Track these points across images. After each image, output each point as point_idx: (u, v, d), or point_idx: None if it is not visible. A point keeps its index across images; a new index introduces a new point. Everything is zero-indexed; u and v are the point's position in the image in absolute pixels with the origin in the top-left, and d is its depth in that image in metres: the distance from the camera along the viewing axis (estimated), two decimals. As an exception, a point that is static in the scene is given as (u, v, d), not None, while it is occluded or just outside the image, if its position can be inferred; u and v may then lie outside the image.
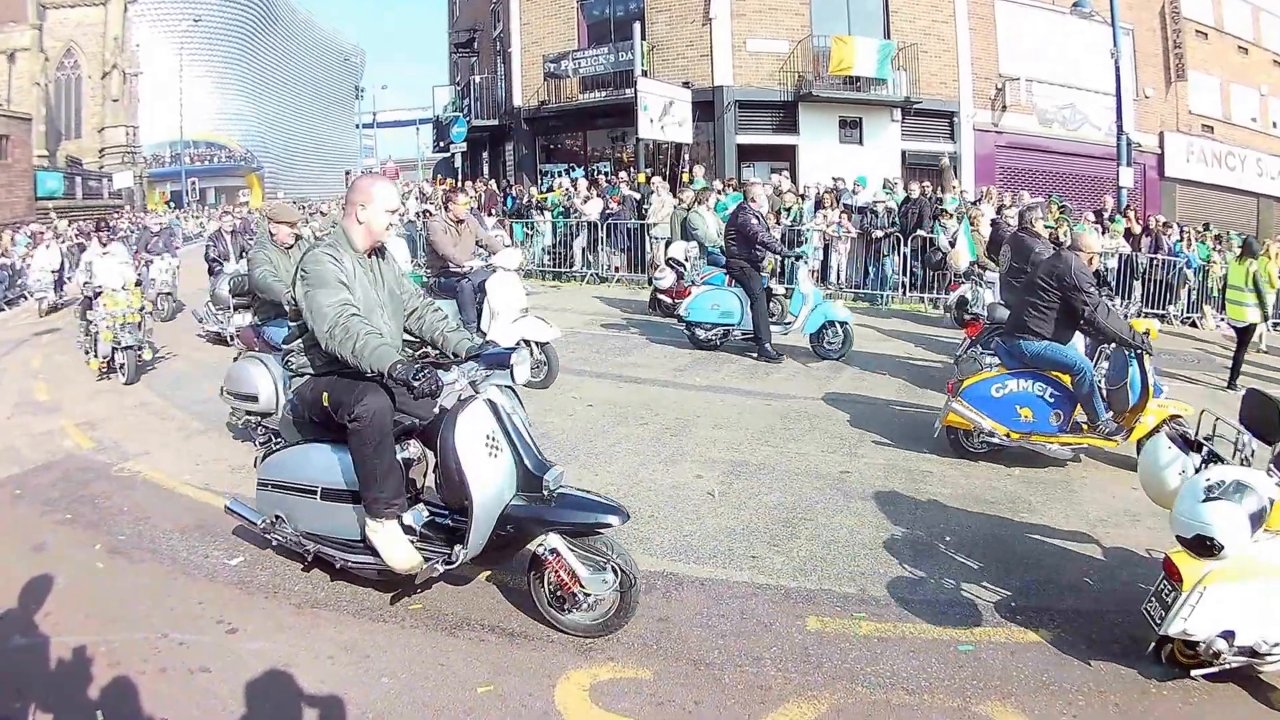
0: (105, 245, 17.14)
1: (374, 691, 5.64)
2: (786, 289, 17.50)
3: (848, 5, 33.27)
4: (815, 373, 15.20)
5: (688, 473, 10.04)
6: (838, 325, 15.99)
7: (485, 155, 45.22)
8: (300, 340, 6.65)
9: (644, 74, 30.49)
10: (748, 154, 33.18)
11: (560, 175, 33.97)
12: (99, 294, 15.61)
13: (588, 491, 6.51)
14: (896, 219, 23.78)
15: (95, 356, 15.38)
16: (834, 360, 15.77)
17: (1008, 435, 10.39)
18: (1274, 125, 42.15)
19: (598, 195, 27.10)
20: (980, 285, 14.62)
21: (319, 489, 6.70)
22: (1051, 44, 35.47)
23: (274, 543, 7.27)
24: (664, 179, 27.69)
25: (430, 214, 16.23)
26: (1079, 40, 34.82)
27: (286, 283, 9.34)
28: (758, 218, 15.57)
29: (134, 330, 15.19)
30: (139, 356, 15.15)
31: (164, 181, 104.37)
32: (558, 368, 13.64)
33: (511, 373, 6.59)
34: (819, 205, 26.02)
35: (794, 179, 30.02)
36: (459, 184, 35.80)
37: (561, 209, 27.79)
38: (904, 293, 23.74)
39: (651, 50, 33.03)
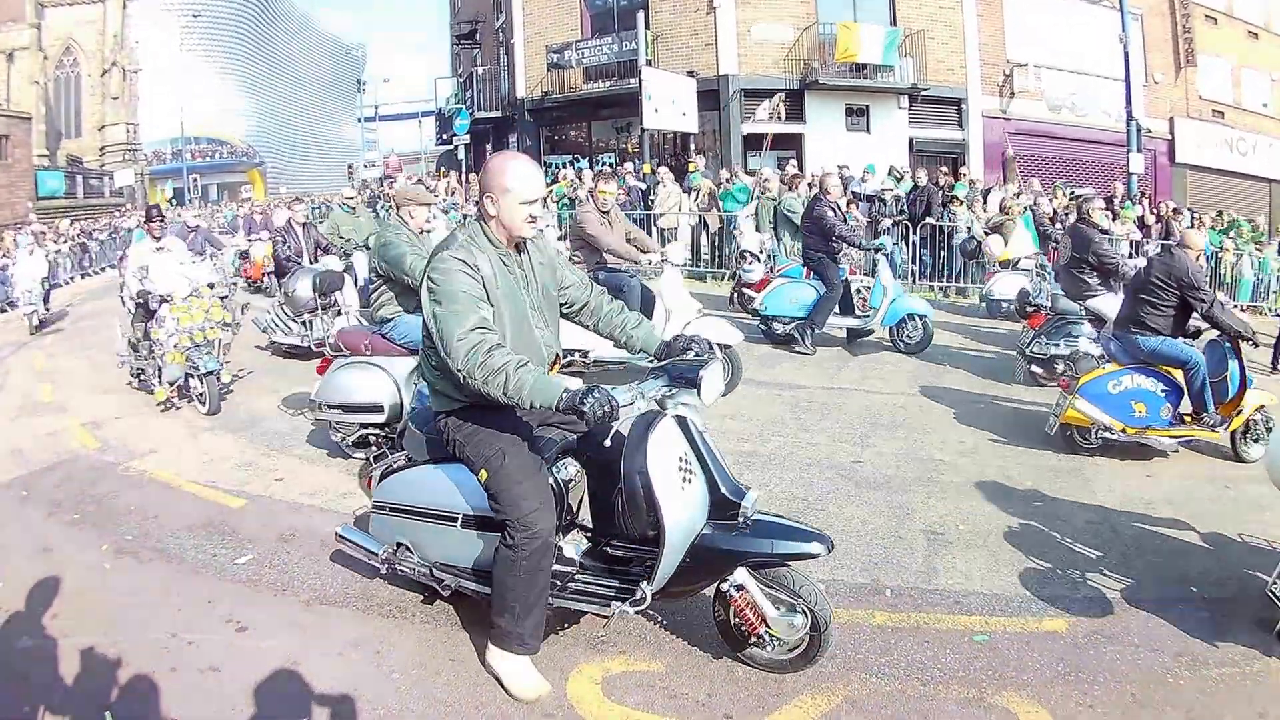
0: (159, 240, 13.82)
1: (385, 687, 5.63)
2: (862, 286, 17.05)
3: (854, -10, 33.11)
4: (825, 363, 15.20)
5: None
6: (917, 319, 15.86)
7: (488, 147, 44.60)
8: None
9: (648, 63, 30.46)
10: (754, 143, 32.74)
11: (564, 167, 33.79)
12: (164, 302, 12.72)
13: (782, 516, 6.15)
14: (904, 207, 23.72)
15: (160, 383, 12.61)
16: (913, 355, 15.65)
17: (1124, 430, 10.47)
18: (1285, 110, 42.01)
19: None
20: (1043, 277, 14.55)
21: (460, 515, 5.91)
22: (1060, 30, 35.35)
23: (395, 573, 6.55)
24: (670, 169, 27.61)
25: (581, 202, 15.32)
26: (1087, 26, 34.80)
27: None
28: (834, 209, 15.48)
29: (210, 350, 12.71)
30: (218, 380, 12.68)
31: (165, 179, 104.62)
32: (741, 374, 12.74)
33: (699, 389, 5.55)
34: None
35: (800, 167, 29.80)
36: (463, 177, 35.83)
37: (568, 200, 27.63)
38: (913, 281, 23.49)
39: (655, 39, 32.98)
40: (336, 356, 9.81)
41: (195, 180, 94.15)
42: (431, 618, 6.51)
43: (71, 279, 34.29)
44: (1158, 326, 10.40)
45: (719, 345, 10.80)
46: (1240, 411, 10.57)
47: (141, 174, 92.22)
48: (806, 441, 10.98)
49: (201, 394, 12.49)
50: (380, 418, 9.16)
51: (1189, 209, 24.95)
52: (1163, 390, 10.49)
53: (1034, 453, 10.71)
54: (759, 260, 17.15)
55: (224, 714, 5.38)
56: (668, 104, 29.12)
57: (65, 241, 36.76)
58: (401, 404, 9.05)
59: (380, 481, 6.49)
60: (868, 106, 32.66)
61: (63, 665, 5.92)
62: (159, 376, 12.67)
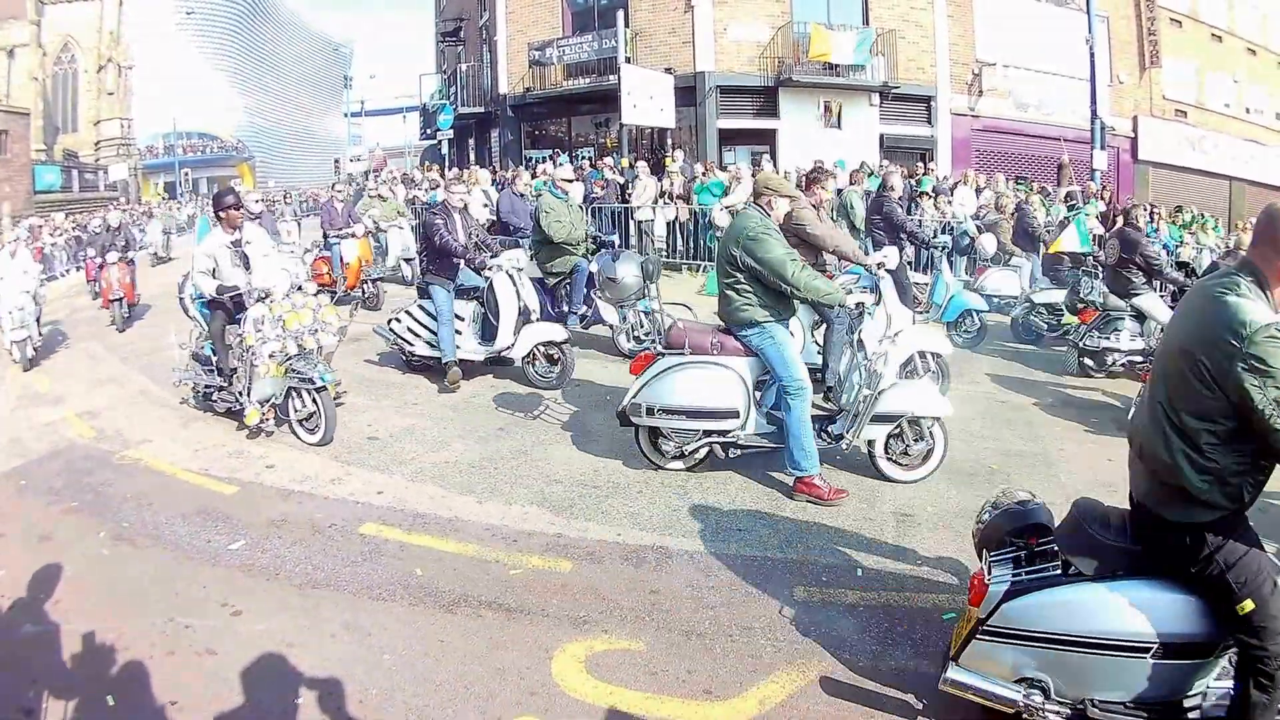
0: (235, 229, 11.18)
1: (376, 669, 5.81)
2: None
3: (828, -8, 33.39)
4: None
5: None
6: (975, 315, 16.08)
7: (471, 142, 45.37)
8: None
9: (627, 60, 30.52)
10: (729, 138, 33.40)
11: (543, 161, 33.76)
12: (260, 300, 10.67)
13: None
14: (867, 194, 23.93)
15: (249, 402, 10.65)
16: (968, 350, 15.48)
17: None
18: (1247, 111, 42.37)
19: (580, 179, 27.06)
20: (1093, 275, 14.86)
21: (1154, 645, 4.69)
22: (1028, 31, 35.62)
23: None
24: (647, 163, 27.74)
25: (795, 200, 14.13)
26: (1055, 28, 35.02)
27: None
28: (900, 205, 15.55)
29: (314, 359, 10.77)
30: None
31: (157, 173, 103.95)
32: (949, 382, 11.99)
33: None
34: (798, 187, 25.88)
35: (774, 162, 30.23)
36: (444, 169, 35.90)
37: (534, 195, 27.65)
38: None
39: (634, 37, 33.11)
40: (666, 355, 9.14)
41: (186, 174, 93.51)
42: (420, 600, 6.70)
43: (67, 271, 33.96)
44: None
45: (931, 354, 11.20)
46: None
47: (135, 168, 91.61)
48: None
49: (310, 415, 10.66)
50: (734, 424, 8.93)
51: (1148, 204, 25.15)
52: None
53: (998, 438, 10.94)
54: None
55: (221, 696, 5.56)
56: (646, 100, 29.09)
57: (61, 234, 36.50)
58: (750, 408, 8.94)
59: (1009, 601, 5.01)
60: (840, 104, 32.85)
61: (64, 650, 6.09)
62: (247, 394, 10.68)
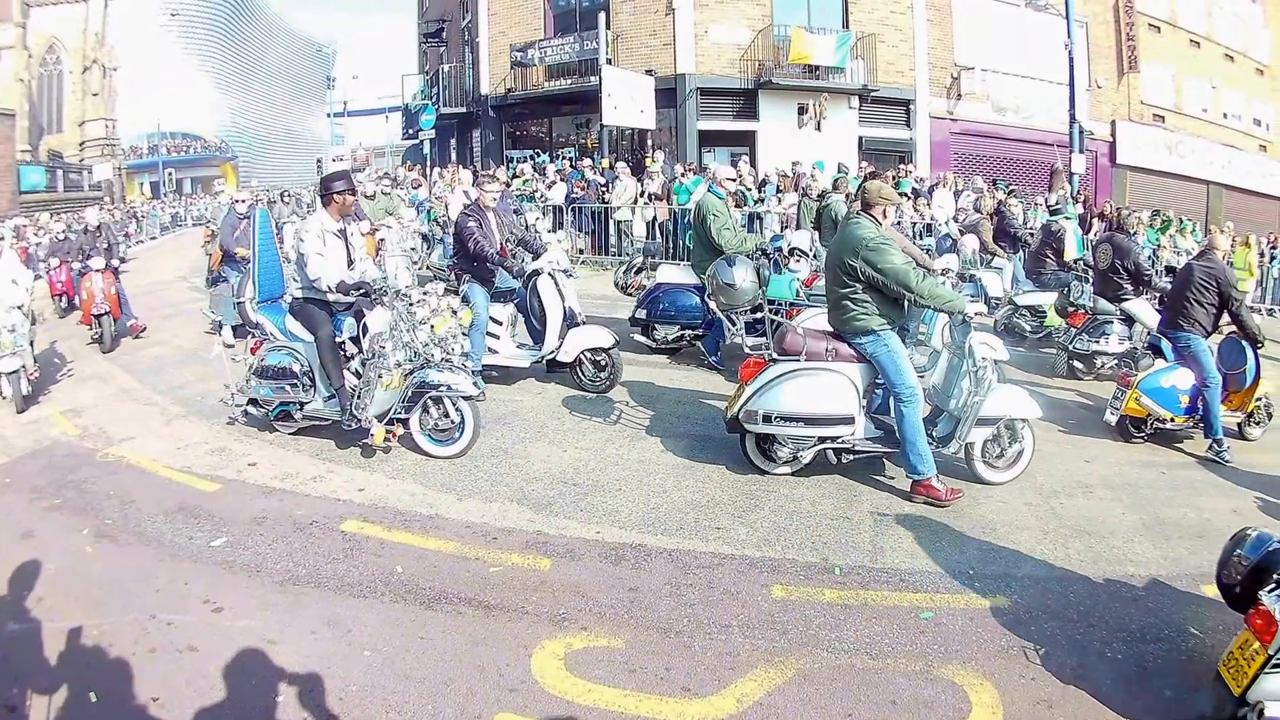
0: (344, 217, 10.28)
1: (357, 665, 5.84)
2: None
3: (809, -5, 33.50)
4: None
5: (653, 448, 10.28)
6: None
7: (453, 142, 45.47)
8: None
9: (608, 62, 30.62)
10: (708, 139, 33.48)
11: (524, 161, 33.92)
12: (396, 297, 9.76)
13: None
14: (849, 200, 23.98)
15: (368, 420, 9.70)
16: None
17: (1172, 420, 11.36)
18: (1224, 116, 42.60)
19: (561, 180, 27.22)
20: (1085, 280, 15.01)
21: None
22: (1007, 35, 35.86)
23: None
24: (628, 164, 27.86)
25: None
26: (1035, 32, 35.28)
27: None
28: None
29: (455, 365, 9.95)
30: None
31: (142, 173, 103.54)
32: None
33: None
34: (777, 190, 26.26)
35: (753, 164, 30.45)
36: (426, 169, 35.96)
37: (527, 195, 27.54)
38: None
39: (616, 39, 33.16)
40: (779, 361, 9.09)
41: (170, 174, 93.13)
42: (400, 597, 6.73)
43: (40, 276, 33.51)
44: (1206, 325, 11.26)
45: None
46: (1251, 400, 11.73)
47: (119, 168, 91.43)
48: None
49: (446, 430, 9.91)
50: (849, 430, 9.00)
51: (1120, 207, 25.26)
52: (1198, 382, 11.27)
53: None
54: (807, 257, 17.29)
55: (203, 693, 5.57)
56: (627, 101, 29.27)
57: (46, 234, 36.38)
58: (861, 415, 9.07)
59: None
60: (814, 105, 32.74)
61: (48, 648, 6.08)
62: (364, 409, 9.70)
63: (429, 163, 39.34)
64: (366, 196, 22.27)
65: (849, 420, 8.89)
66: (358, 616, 6.46)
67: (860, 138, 33.83)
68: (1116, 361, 13.76)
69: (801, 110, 32.61)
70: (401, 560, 7.33)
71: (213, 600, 6.67)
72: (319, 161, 56.06)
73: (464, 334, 10.66)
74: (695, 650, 6.08)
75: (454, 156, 43.99)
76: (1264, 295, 29.16)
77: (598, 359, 12.40)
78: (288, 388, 10.17)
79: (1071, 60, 28.22)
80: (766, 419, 8.88)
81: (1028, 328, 16.31)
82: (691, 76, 32.71)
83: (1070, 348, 14.44)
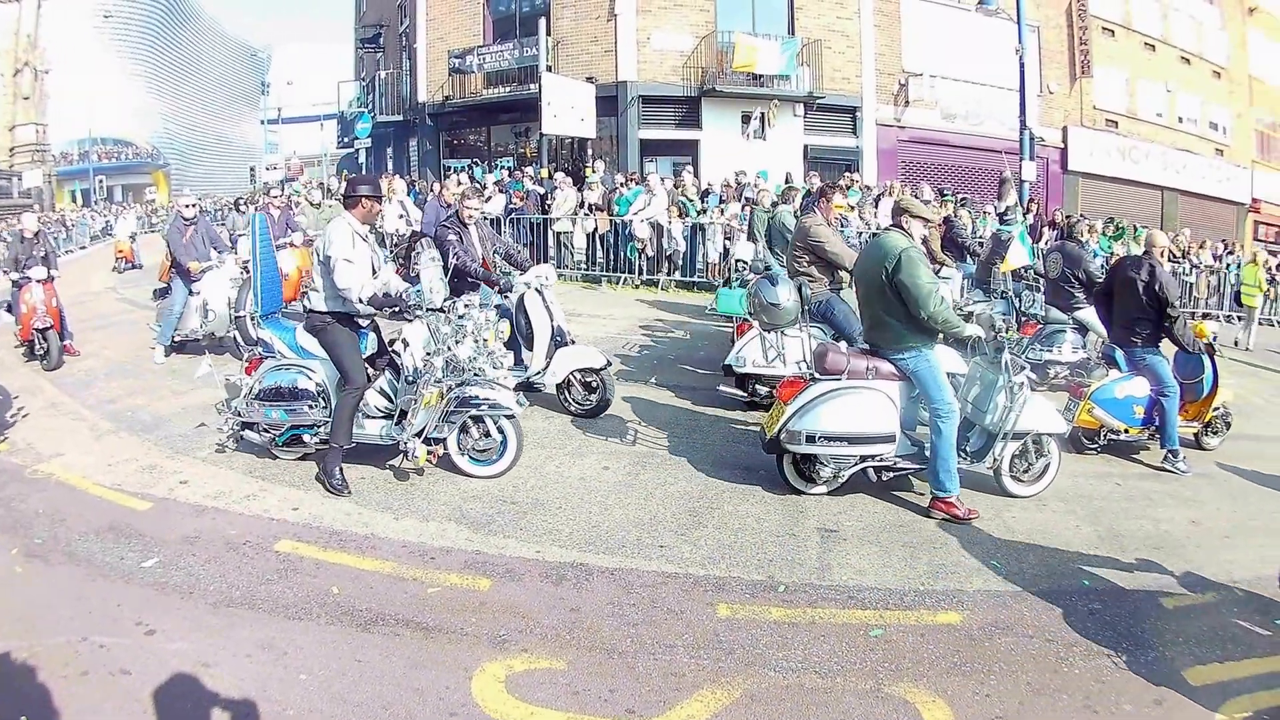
0: (368, 225, 9.56)
1: (293, 689, 5.68)
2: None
3: (753, 2, 33.58)
4: (717, 368, 14.63)
5: (595, 464, 10.15)
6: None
7: (389, 151, 45.32)
8: None
9: (548, 69, 30.45)
10: (650, 149, 33.51)
11: (462, 171, 34.06)
12: (432, 313, 9.35)
13: None
14: (797, 212, 23.96)
15: (409, 441, 9.17)
16: None
17: (1127, 431, 11.42)
18: (1179, 120, 43.14)
19: (500, 191, 27.15)
20: (1034, 289, 14.98)
21: None
22: (957, 41, 36.04)
23: None
24: (567, 174, 27.79)
25: (809, 212, 12.84)
26: (985, 37, 35.26)
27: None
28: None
29: (496, 381, 9.58)
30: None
31: (72, 180, 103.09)
32: None
33: None
34: (720, 199, 26.38)
35: (696, 173, 30.30)
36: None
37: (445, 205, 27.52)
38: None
39: (556, 45, 33.11)
40: (820, 381, 8.99)
41: (101, 181, 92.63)
42: (336, 619, 6.58)
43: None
44: (1153, 335, 11.28)
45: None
46: (1209, 410, 11.86)
47: (49, 175, 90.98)
48: (701, 442, 11.16)
49: (486, 450, 9.56)
50: (890, 449, 8.99)
51: (1068, 215, 25.39)
52: (1153, 393, 11.32)
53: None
54: (749, 268, 17.20)
55: (136, 718, 5.41)
56: (567, 110, 29.16)
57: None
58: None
59: None
60: (764, 114, 32.85)
61: (-24, 671, 5.87)
62: (412, 429, 9.19)
63: (364, 172, 39.13)
64: (313, 204, 21.95)
65: (890, 438, 8.91)
66: (293, 639, 6.29)
67: (805, 146, 33.95)
68: (1069, 371, 13.75)
69: (746, 119, 32.71)
70: (337, 581, 7.18)
71: (145, 622, 6.47)
72: (252, 170, 55.74)
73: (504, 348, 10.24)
74: (639, 671, 5.98)
75: (390, 166, 43.76)
76: (1221, 301, 29.45)
77: (588, 380, 12.01)
78: (305, 409, 9.48)
79: (1022, 65, 28.23)
80: (810, 439, 8.82)
81: (974, 336, 16.30)
82: (633, 84, 32.74)
83: (1023, 358, 14.23)
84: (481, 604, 6.85)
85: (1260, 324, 26.26)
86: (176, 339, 15.08)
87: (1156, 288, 10.97)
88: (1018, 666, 6.16)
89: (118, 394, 12.79)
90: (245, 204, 30.81)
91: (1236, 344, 24.20)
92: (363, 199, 9.23)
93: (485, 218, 16.11)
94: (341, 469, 9.13)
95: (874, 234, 9.31)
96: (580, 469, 9.98)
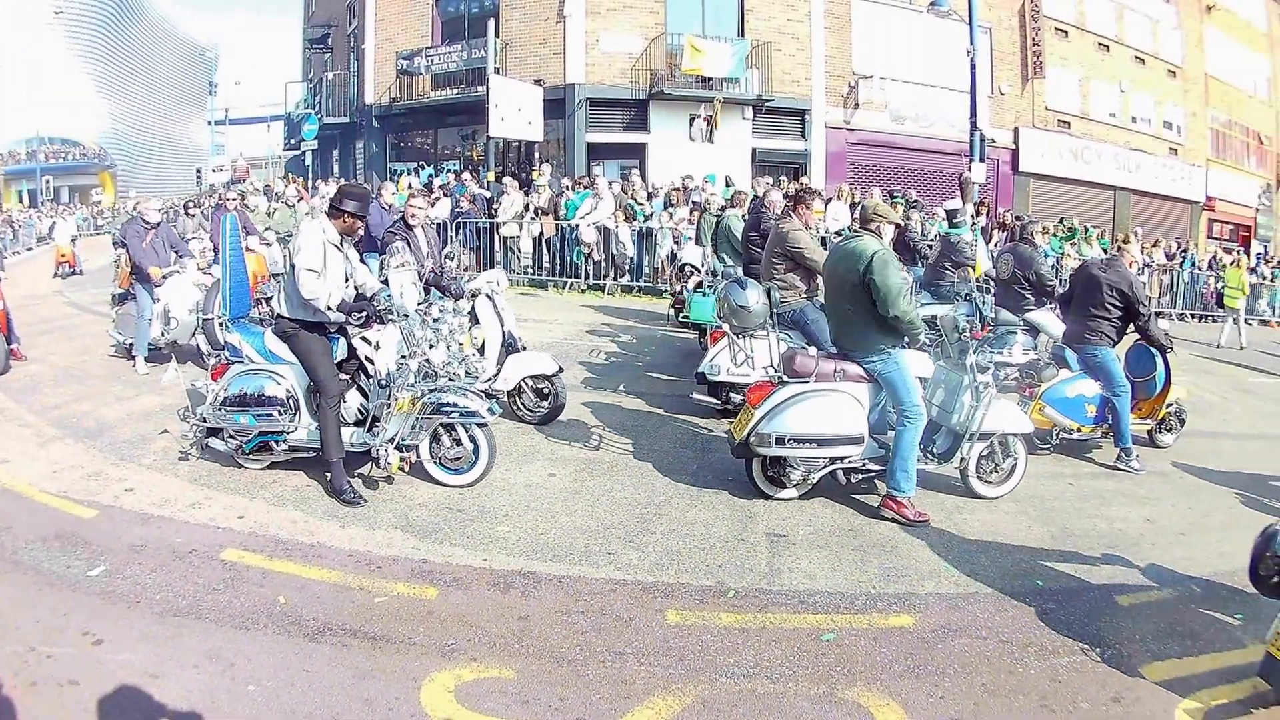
0: (347, 236, 9.37)
1: (242, 700, 5.62)
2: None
3: (703, 4, 33.67)
4: (666, 373, 15.37)
5: (541, 471, 10.13)
6: None
7: (335, 154, 45.14)
8: None
9: (496, 71, 30.43)
10: (598, 152, 33.55)
11: (409, 174, 34.21)
12: (402, 318, 9.18)
13: None
14: (744, 216, 23.97)
15: (381, 449, 9.11)
16: None
17: (1079, 430, 11.63)
18: (1133, 120, 43.53)
19: (445, 194, 27.11)
20: (987, 292, 15.03)
21: None
22: (907, 43, 36.19)
23: None
24: (515, 177, 27.89)
25: (785, 217, 12.46)
26: (936, 39, 35.27)
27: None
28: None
29: (473, 393, 9.46)
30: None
31: (19, 179, 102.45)
32: None
33: None
34: (667, 203, 26.42)
35: (644, 177, 30.44)
36: (307, 182, 35.72)
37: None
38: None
39: (505, 47, 33.17)
40: (789, 384, 9.07)
41: (48, 182, 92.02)
42: (284, 629, 6.51)
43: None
44: (1112, 335, 11.50)
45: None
46: (1162, 407, 12.01)
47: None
48: (648, 448, 11.16)
49: (458, 458, 9.45)
50: (859, 450, 9.06)
51: (1029, 216, 25.54)
52: (1105, 391, 11.51)
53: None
54: (699, 273, 17.19)
55: (84, 729, 5.31)
56: (514, 112, 29.12)
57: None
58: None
59: None
60: (710, 115, 32.73)
61: (-79, 684, 5.79)
62: (384, 436, 9.17)
63: (311, 175, 39.02)
64: (288, 205, 21.76)
65: (859, 440, 9.00)
66: (240, 649, 6.22)
67: (754, 149, 34.10)
68: (1020, 372, 13.84)
69: (693, 121, 32.74)
70: (284, 590, 7.11)
71: (93, 632, 6.38)
72: (198, 172, 55.53)
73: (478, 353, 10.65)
74: (589, 679, 5.94)
75: (336, 169, 43.65)
76: (1175, 300, 29.79)
77: (539, 386, 11.91)
78: (275, 414, 9.31)
79: (974, 67, 28.28)
80: (780, 441, 8.87)
81: (925, 340, 16.32)
82: (581, 86, 32.81)
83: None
84: (429, 613, 6.82)
85: (1230, 321, 27.16)
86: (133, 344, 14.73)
87: (1125, 288, 11.21)
88: (972, 668, 6.19)
89: (64, 399, 12.63)
90: (194, 206, 30.39)
91: (1220, 345, 25.33)
92: (345, 214, 9.05)
93: (432, 222, 15.97)
94: (349, 481, 9.06)
95: (845, 237, 9.33)
96: (527, 475, 9.96)
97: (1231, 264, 29.72)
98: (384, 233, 12.32)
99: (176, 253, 15.02)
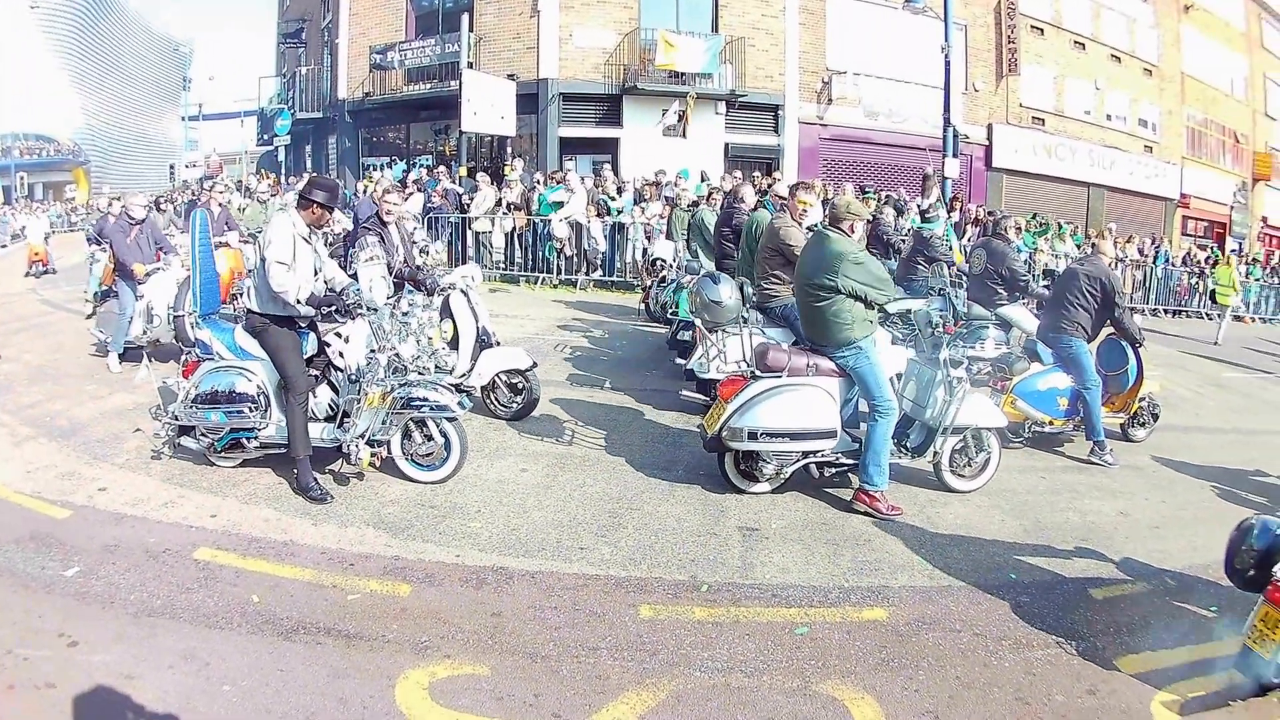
0: (316, 229, 9.29)
1: (217, 700, 5.60)
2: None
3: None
4: (638, 368, 15.41)
5: (513, 466, 10.13)
6: None
7: (308, 149, 45.09)
8: None
9: (469, 66, 30.58)
10: (570, 147, 33.57)
11: (381, 169, 34.14)
12: (369, 312, 9.15)
13: None
14: (718, 211, 23.99)
15: (353, 444, 9.06)
16: None
17: (1051, 423, 11.73)
18: (1108, 118, 43.71)
19: (419, 189, 27.14)
20: (959, 285, 15.07)
21: None
22: (882, 39, 36.28)
23: None
24: (487, 173, 27.85)
25: (779, 214, 12.10)
26: (910, 35, 35.47)
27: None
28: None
29: (439, 382, 9.52)
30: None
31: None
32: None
33: None
34: (640, 198, 26.47)
35: (616, 171, 30.45)
36: (280, 177, 35.62)
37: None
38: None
39: (478, 42, 33.12)
40: (761, 378, 9.10)
41: (22, 179, 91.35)
42: (258, 628, 6.50)
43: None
44: (1085, 327, 11.61)
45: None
46: (1134, 401, 12.11)
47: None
48: (620, 442, 11.17)
49: (429, 454, 9.42)
50: (831, 444, 9.09)
51: (1002, 211, 25.61)
52: (1076, 384, 11.62)
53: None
54: (670, 268, 17.19)
55: (66, 733, 5.30)
56: (487, 107, 29.30)
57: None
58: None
59: None
60: (682, 110, 32.96)
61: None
62: (355, 431, 9.08)
63: (283, 171, 38.88)
64: (259, 201, 21.67)
65: (832, 434, 9.03)
66: (215, 649, 6.20)
67: (726, 144, 34.15)
68: (991, 367, 13.87)
69: (665, 114, 32.83)
70: (257, 589, 7.09)
71: (68, 633, 6.36)
72: (171, 168, 55.12)
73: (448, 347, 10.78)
74: (563, 675, 5.96)
75: (309, 164, 43.62)
76: (1147, 295, 30.01)
77: (514, 381, 11.88)
78: (246, 411, 9.22)
79: (948, 63, 28.33)
80: (752, 436, 8.89)
81: (899, 335, 16.35)
82: (554, 81, 32.84)
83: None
84: (402, 610, 6.82)
85: (1213, 319, 28.19)
86: (112, 344, 14.43)
87: (1101, 279, 11.38)
88: (946, 661, 6.22)
89: (38, 398, 12.55)
90: (165, 202, 30.25)
91: (1216, 343, 25.62)
92: (315, 205, 8.99)
93: (414, 219, 15.98)
94: (316, 478, 9.03)
95: (816, 234, 9.34)
96: (499, 471, 9.96)
97: (1223, 262, 30.29)
98: (359, 228, 12.25)
99: (161, 249, 14.95)
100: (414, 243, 12.70)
